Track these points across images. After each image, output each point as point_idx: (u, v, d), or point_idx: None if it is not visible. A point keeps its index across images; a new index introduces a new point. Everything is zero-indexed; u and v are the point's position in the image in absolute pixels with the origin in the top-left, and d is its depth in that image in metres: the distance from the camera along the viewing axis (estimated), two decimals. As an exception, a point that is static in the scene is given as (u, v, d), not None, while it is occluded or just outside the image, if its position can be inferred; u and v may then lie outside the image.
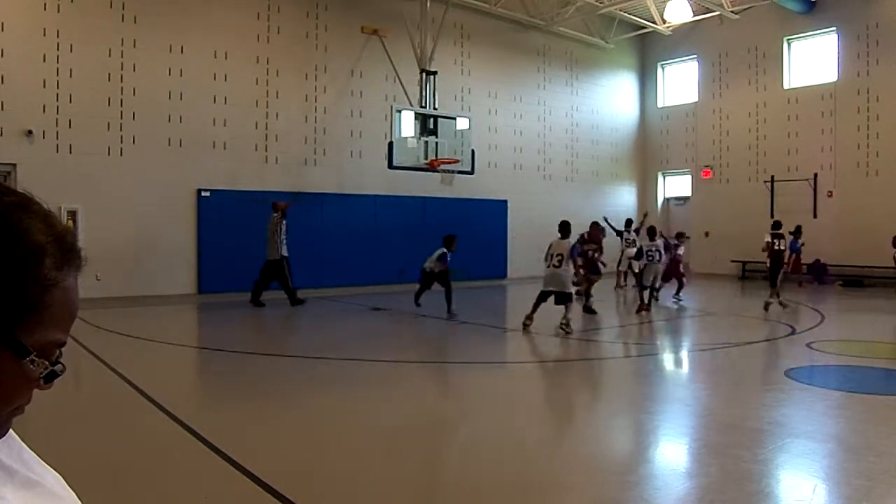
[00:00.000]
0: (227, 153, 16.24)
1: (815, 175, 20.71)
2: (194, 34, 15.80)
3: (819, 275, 20.17)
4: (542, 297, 11.26)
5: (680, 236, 16.69)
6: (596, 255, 14.37)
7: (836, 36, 20.41)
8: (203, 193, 15.87)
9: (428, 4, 17.43)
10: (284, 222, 14.45)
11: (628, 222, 19.19)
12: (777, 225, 14.66)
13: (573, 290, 11.57)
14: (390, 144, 15.79)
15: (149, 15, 15.19)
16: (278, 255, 14.37)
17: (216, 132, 16.10)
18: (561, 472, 4.85)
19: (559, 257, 11.05)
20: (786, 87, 21.58)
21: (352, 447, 5.37)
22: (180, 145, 15.65)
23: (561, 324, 10.88)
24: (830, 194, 20.48)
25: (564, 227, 11.45)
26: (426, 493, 4.61)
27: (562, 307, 11.02)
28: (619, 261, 18.47)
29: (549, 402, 7.00)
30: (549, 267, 11.19)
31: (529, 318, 11.12)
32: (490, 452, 5.29)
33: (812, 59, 21.19)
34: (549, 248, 11.42)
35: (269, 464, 4.76)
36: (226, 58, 16.21)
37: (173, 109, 15.54)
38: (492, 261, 20.51)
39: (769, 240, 14.22)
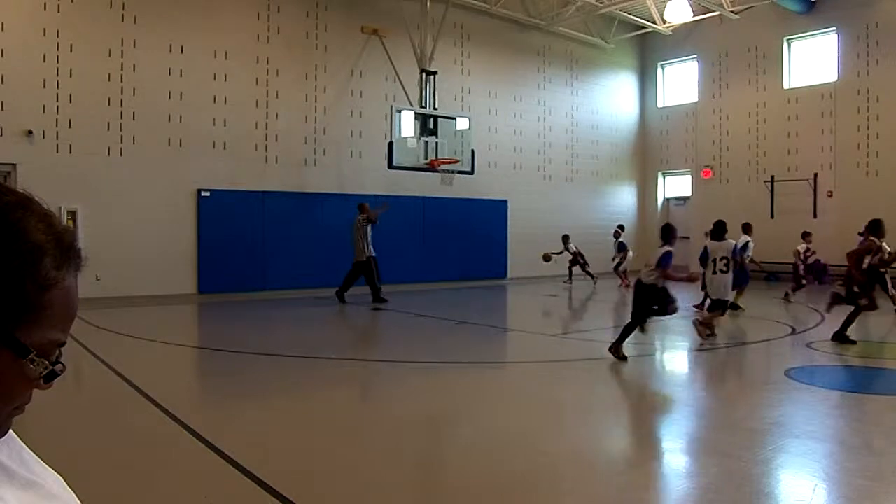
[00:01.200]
0: (227, 153, 16.24)
1: (815, 175, 20.71)
2: (194, 34, 15.80)
3: (819, 275, 20.17)
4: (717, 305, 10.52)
5: (806, 235, 15.64)
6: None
7: (836, 36, 20.41)
8: (203, 193, 15.87)
9: (428, 4, 17.44)
10: (370, 226, 14.95)
11: (621, 227, 19.56)
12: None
13: (730, 297, 10.98)
14: (390, 144, 15.79)
15: (149, 15, 15.20)
16: (364, 256, 14.87)
17: (216, 132, 16.10)
18: (561, 472, 4.85)
19: (724, 261, 10.30)
20: (786, 87, 21.58)
21: (351, 446, 5.37)
22: (180, 145, 15.65)
23: (705, 331, 10.13)
24: (830, 194, 20.47)
25: (721, 228, 10.62)
26: (426, 492, 4.61)
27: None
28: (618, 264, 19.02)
29: (549, 402, 6.99)
30: (714, 273, 10.44)
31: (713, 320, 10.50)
32: (489, 452, 5.28)
33: (812, 59, 21.19)
34: (704, 251, 10.86)
35: (268, 463, 4.76)
36: (226, 58, 16.21)
37: (173, 109, 15.54)
38: (491, 261, 20.50)
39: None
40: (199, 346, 10.90)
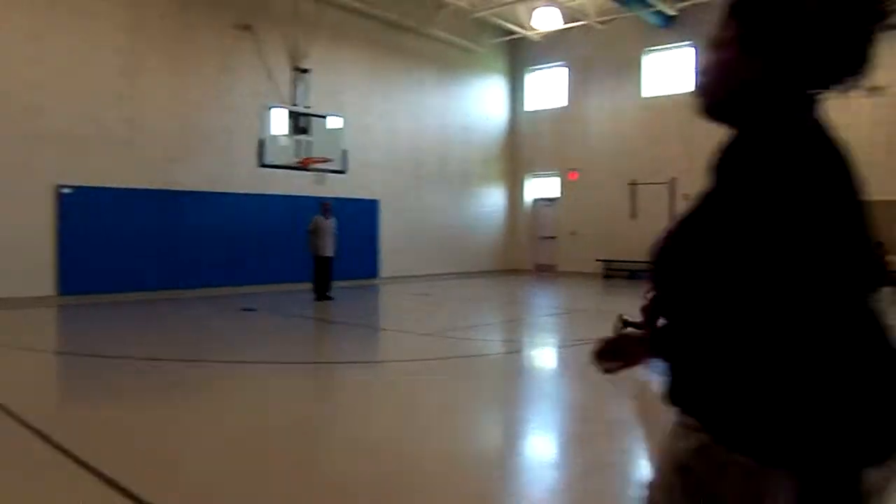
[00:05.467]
0: (90, 148, 15.44)
1: (673, 179, 21.88)
2: (56, 22, 14.96)
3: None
4: None
5: None
6: None
7: (693, 49, 21.65)
8: (64, 190, 15.08)
9: (302, 2, 17.29)
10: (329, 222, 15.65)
11: None
12: None
13: None
14: (261, 142, 15.58)
15: (7, 1, 14.31)
16: (326, 252, 15.61)
17: (79, 126, 15.29)
18: (430, 471, 4.98)
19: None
20: (643, 95, 22.82)
21: (216, 449, 5.32)
22: (38, 139, 14.78)
23: None
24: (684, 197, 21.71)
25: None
26: (291, 493, 4.62)
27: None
28: None
29: (420, 402, 7.14)
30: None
31: None
32: (366, 452, 5.36)
33: (670, 71, 22.47)
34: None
35: (133, 470, 4.66)
36: (90, 48, 15.45)
37: (32, 101, 14.66)
38: (363, 260, 20.55)
39: None
40: (55, 351, 10.41)
